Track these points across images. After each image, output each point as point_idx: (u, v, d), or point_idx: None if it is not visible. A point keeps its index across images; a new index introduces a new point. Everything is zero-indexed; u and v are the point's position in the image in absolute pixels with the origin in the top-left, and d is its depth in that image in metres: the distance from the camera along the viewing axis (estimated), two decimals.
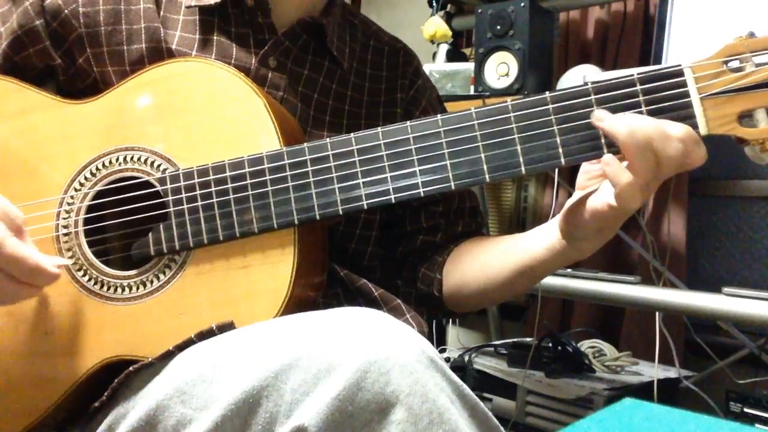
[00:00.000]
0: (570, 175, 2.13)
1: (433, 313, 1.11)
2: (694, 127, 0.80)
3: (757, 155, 0.79)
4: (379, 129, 0.87)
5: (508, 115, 0.84)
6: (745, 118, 0.79)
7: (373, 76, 1.12)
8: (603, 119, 0.80)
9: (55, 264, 0.84)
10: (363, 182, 0.86)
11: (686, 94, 0.80)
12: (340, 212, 0.86)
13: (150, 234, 0.89)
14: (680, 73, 0.81)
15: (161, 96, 0.92)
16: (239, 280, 0.87)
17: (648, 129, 0.78)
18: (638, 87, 0.81)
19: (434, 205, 1.12)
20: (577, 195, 0.89)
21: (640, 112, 0.81)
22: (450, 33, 2.25)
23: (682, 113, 0.80)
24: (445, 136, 0.85)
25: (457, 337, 2.59)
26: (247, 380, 0.72)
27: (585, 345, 1.97)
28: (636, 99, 0.81)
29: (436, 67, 2.16)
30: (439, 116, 0.85)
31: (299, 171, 0.87)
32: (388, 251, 1.13)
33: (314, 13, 1.05)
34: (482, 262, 1.04)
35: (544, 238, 0.95)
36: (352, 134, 0.87)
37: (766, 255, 2.01)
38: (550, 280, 1.85)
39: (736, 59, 0.79)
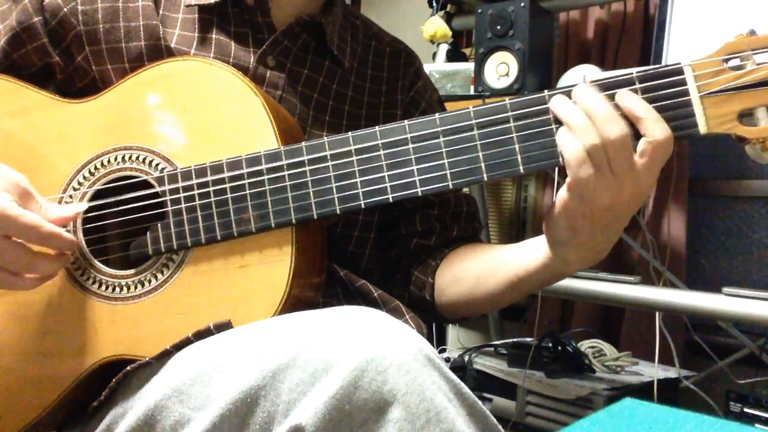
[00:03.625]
0: None
1: (425, 317, 1.09)
2: (694, 125, 0.80)
3: (757, 154, 0.79)
4: (377, 128, 0.86)
5: (507, 114, 0.83)
6: (746, 116, 0.78)
7: (374, 77, 1.11)
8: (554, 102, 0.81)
9: (70, 212, 0.87)
10: (360, 181, 0.86)
11: (686, 93, 0.80)
12: (338, 211, 0.86)
13: (148, 233, 0.89)
14: (680, 72, 0.80)
15: (160, 95, 0.92)
16: (237, 280, 0.87)
17: (595, 107, 0.79)
18: (637, 85, 0.81)
19: (430, 208, 1.11)
20: None
21: None
22: (450, 33, 2.25)
23: (682, 111, 0.80)
24: (443, 135, 0.85)
25: (457, 337, 2.59)
26: (244, 380, 0.72)
27: (585, 345, 1.97)
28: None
29: (436, 67, 2.16)
30: (437, 115, 0.85)
31: (297, 170, 0.87)
32: (383, 253, 1.13)
33: (313, 11, 1.05)
34: (472, 268, 1.03)
35: (533, 247, 0.94)
36: (349, 133, 0.87)
37: (766, 255, 2.01)
38: None
39: (736, 57, 0.78)
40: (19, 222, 0.80)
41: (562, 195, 0.83)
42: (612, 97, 0.81)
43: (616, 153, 0.78)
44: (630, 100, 0.80)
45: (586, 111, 0.79)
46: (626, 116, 0.80)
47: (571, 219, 0.83)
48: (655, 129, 0.78)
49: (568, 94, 0.82)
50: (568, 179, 0.81)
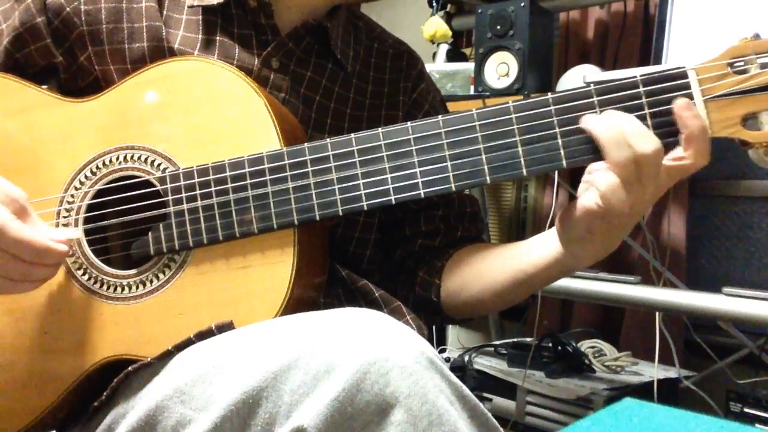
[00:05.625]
0: (570, 176, 2.13)
1: (430, 318, 1.10)
2: None
3: (760, 158, 0.79)
4: (380, 129, 0.86)
5: (510, 116, 0.83)
6: (749, 120, 0.78)
7: (376, 79, 1.11)
8: (585, 120, 0.81)
9: (65, 237, 0.85)
10: (363, 183, 0.86)
11: (689, 97, 0.80)
12: (340, 213, 0.86)
13: (150, 233, 0.89)
14: (684, 75, 0.80)
15: (162, 95, 0.92)
16: (239, 281, 0.87)
17: (626, 124, 0.79)
18: (641, 89, 0.81)
19: (434, 209, 1.11)
20: None
21: (643, 115, 0.80)
22: (450, 33, 2.25)
23: None
24: (446, 137, 0.84)
25: (457, 337, 2.59)
26: (246, 381, 0.72)
27: (585, 345, 1.97)
28: (639, 101, 0.81)
29: (436, 67, 2.16)
30: (440, 117, 0.85)
31: (299, 171, 0.87)
32: (387, 254, 1.13)
33: (318, 15, 1.04)
34: (481, 268, 1.03)
35: (542, 243, 0.95)
36: (352, 134, 0.87)
37: (766, 255, 2.01)
38: None
39: (740, 61, 0.78)
40: (13, 236, 0.79)
41: (588, 202, 0.82)
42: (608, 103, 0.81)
43: (649, 167, 0.79)
44: (689, 114, 0.79)
45: (618, 127, 0.79)
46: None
47: (591, 222, 0.84)
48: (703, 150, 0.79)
49: (574, 97, 0.82)
50: (597, 198, 0.81)
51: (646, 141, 0.79)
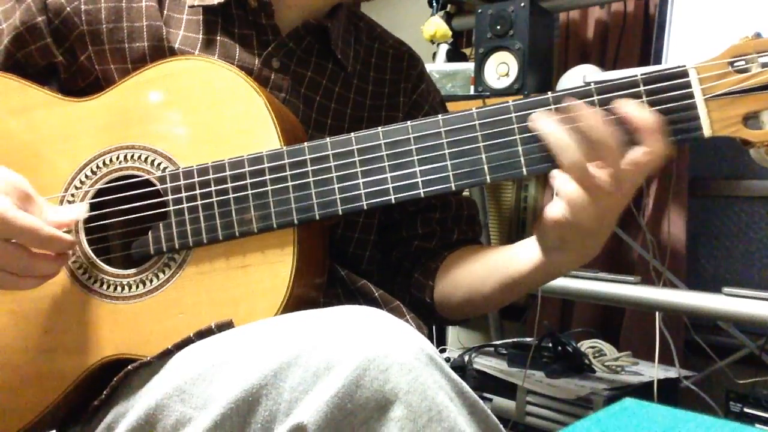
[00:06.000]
0: None
1: (425, 320, 1.11)
2: (698, 128, 0.79)
3: (762, 157, 0.79)
4: (380, 129, 0.86)
5: (510, 115, 0.83)
6: (751, 119, 0.78)
7: (377, 80, 1.11)
8: (534, 120, 0.81)
9: (72, 216, 0.86)
10: (363, 182, 0.86)
11: (690, 95, 0.79)
12: (340, 212, 0.86)
13: (149, 233, 0.89)
14: (684, 74, 0.80)
15: (162, 94, 0.92)
16: (239, 280, 0.87)
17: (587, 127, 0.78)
18: (642, 87, 0.81)
19: (431, 212, 1.12)
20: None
21: None
22: (450, 33, 2.25)
23: (686, 114, 0.79)
24: (445, 136, 0.84)
25: (457, 337, 2.59)
26: (246, 378, 0.72)
27: (585, 345, 1.97)
28: (639, 100, 0.81)
29: (436, 67, 2.16)
30: (440, 116, 0.85)
31: (299, 170, 0.87)
32: (384, 255, 1.13)
33: (319, 15, 1.04)
34: (470, 271, 1.04)
35: (525, 250, 0.95)
36: (352, 134, 0.87)
37: (766, 255, 2.01)
38: None
39: (741, 60, 0.78)
40: (18, 225, 0.79)
41: (555, 214, 0.83)
42: (608, 102, 0.81)
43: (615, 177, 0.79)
44: (634, 108, 0.80)
45: (577, 129, 0.79)
46: (623, 123, 0.79)
47: (562, 231, 0.84)
48: (657, 142, 0.79)
49: (574, 96, 0.82)
50: (564, 210, 0.82)
51: (605, 147, 0.79)
